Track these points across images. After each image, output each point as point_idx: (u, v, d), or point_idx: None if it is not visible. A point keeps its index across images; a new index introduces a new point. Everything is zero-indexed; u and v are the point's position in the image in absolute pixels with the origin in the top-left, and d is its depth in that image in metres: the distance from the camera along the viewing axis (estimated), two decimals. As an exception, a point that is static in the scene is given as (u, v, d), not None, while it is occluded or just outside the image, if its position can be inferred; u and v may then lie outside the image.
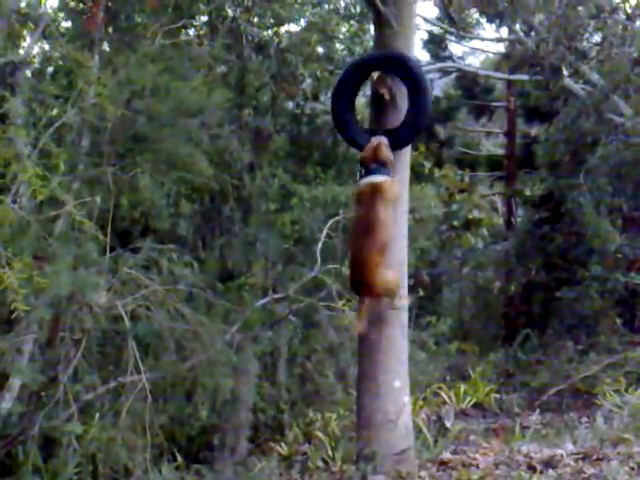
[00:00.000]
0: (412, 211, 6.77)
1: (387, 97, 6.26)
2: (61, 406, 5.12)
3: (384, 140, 5.90)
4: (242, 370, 6.40)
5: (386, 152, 5.87)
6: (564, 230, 14.45)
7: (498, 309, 15.12)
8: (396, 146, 6.10)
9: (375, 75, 6.34)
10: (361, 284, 5.80)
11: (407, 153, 6.53)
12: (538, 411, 9.12)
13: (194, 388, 5.83)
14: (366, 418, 6.44)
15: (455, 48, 19.28)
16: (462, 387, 10.86)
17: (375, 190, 5.73)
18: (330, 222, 7.49)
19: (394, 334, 6.42)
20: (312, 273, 7.32)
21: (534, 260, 15.00)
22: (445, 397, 10.44)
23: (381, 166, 5.83)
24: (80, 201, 5.05)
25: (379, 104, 6.36)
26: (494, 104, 18.67)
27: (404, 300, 6.44)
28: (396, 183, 5.93)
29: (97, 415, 5.31)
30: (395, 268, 6.34)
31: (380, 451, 6.25)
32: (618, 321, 13.22)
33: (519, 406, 11.06)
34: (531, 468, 6.68)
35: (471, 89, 18.20)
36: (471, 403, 10.87)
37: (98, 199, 5.15)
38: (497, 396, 11.28)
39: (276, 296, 7.42)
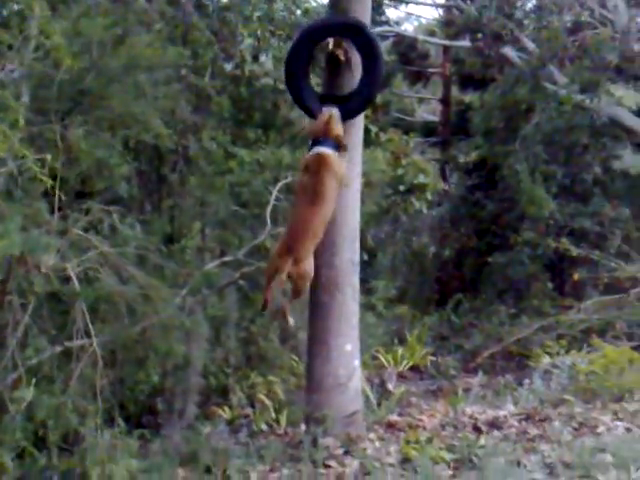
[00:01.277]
0: (362, 175, 6.70)
1: (342, 58, 6.17)
2: (9, 371, 4.93)
3: (335, 113, 5.75)
4: (194, 334, 6.29)
5: (336, 127, 5.71)
6: (497, 197, 14.70)
7: (432, 274, 15.30)
8: (348, 114, 6.02)
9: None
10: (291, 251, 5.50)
11: (361, 116, 6.48)
12: (480, 373, 9.26)
13: (145, 352, 5.69)
14: (317, 382, 6.45)
15: (391, 13, 19.27)
16: (400, 350, 10.98)
17: (321, 162, 5.57)
18: (279, 184, 7.38)
19: (346, 298, 6.42)
20: (261, 236, 7.20)
21: (467, 226, 15.23)
22: (383, 360, 10.56)
23: (330, 140, 5.69)
24: (33, 158, 4.79)
25: (334, 66, 6.27)
26: (429, 70, 18.73)
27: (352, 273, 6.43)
28: (343, 160, 5.79)
29: (46, 380, 5.11)
30: (348, 232, 6.35)
31: (330, 414, 6.27)
32: (549, 285, 13.57)
33: (454, 368, 11.27)
34: (476, 429, 6.82)
35: (407, 55, 18.19)
36: (408, 366, 11.02)
37: (49, 157, 4.90)
38: (433, 359, 11.47)
39: (224, 259, 7.28)
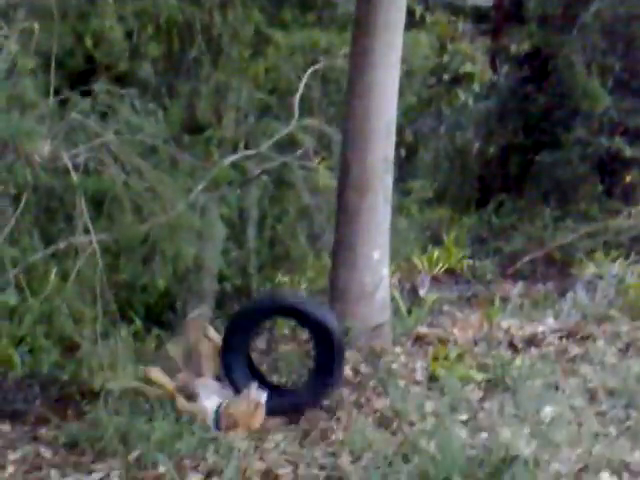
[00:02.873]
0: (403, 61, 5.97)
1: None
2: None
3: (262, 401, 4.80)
4: (207, 235, 5.76)
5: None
6: (549, 90, 13.72)
7: (475, 172, 14.52)
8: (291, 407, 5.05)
9: None
10: None
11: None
12: (520, 283, 8.70)
13: (152, 254, 5.20)
14: (341, 291, 5.97)
15: None
16: (435, 253, 10.41)
17: None
18: (309, 71, 6.67)
19: (377, 200, 5.84)
20: (288, 128, 6.57)
21: (515, 121, 14.31)
22: (417, 262, 10.01)
23: None
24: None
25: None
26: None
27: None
28: None
29: (37, 283, 4.65)
30: (383, 126, 5.70)
31: (354, 326, 5.81)
32: (599, 188, 12.79)
33: (492, 273, 10.70)
34: (512, 346, 6.32)
35: None
36: (443, 269, 10.45)
37: (36, 26, 4.26)
38: (470, 262, 10.88)
39: (247, 152, 6.67)
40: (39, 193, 4.69)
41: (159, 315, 6.67)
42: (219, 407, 4.84)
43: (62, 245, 4.73)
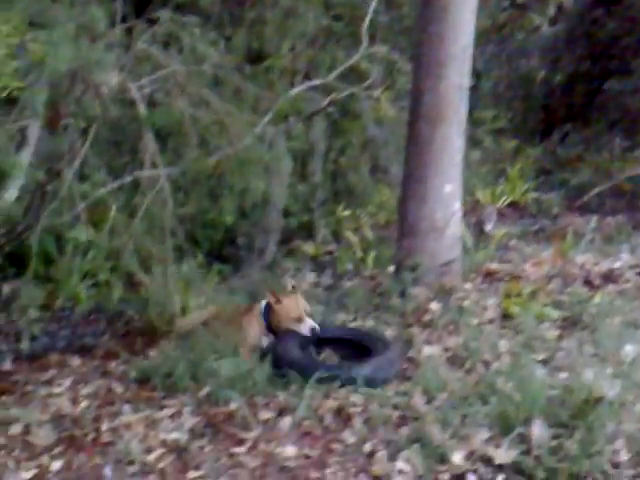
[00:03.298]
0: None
1: None
2: (65, 207, 4.39)
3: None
4: (274, 169, 5.60)
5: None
6: (619, 14, 13.08)
7: (539, 101, 13.98)
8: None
9: None
10: None
11: None
12: (594, 217, 8.36)
13: (219, 189, 5.07)
14: (410, 225, 5.79)
15: None
16: (500, 186, 10.11)
17: None
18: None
19: (450, 130, 5.59)
20: (355, 56, 6.29)
21: (583, 47, 13.70)
22: (480, 196, 9.72)
23: None
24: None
25: None
26: None
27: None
28: None
29: (105, 218, 4.55)
30: (459, 51, 5.43)
31: (423, 262, 5.65)
32: (672, 117, 12.23)
33: (558, 206, 10.36)
34: (588, 283, 6.09)
35: None
36: (507, 202, 10.15)
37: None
38: (535, 195, 10.54)
39: (313, 82, 6.42)
40: (106, 126, 4.58)
41: (220, 250, 6.60)
42: None
43: (129, 179, 4.62)
